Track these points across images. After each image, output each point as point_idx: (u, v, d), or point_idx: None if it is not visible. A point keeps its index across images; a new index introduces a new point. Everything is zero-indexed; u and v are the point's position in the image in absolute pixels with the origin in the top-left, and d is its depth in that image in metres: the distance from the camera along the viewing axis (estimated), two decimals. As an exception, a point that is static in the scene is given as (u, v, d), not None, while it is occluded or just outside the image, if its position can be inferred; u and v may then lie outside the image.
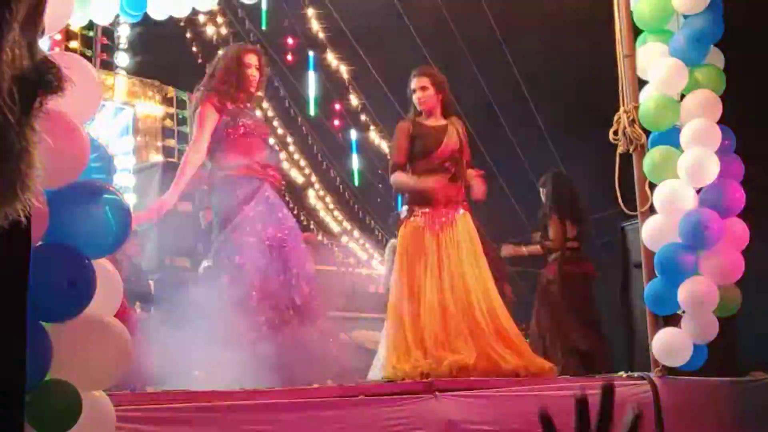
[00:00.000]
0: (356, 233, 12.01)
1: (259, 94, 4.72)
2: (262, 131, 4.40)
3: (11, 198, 0.94)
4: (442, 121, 4.67)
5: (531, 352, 4.46)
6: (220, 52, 4.65)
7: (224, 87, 4.29)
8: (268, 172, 4.27)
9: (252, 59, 4.37)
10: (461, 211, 4.59)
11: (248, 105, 4.44)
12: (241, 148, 4.20)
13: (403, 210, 4.68)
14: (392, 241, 6.37)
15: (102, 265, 2.25)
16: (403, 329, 4.32)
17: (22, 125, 0.95)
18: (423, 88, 4.63)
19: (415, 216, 4.56)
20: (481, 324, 4.30)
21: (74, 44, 7.69)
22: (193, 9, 4.48)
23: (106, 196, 2.24)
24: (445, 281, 4.36)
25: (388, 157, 5.38)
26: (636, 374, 4.16)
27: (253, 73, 4.36)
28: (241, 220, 4.09)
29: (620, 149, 4.38)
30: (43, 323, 2.07)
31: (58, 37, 7.37)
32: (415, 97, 4.65)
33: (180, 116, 8.88)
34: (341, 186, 11.46)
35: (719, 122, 4.20)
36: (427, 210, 4.54)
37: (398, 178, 4.63)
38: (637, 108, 4.34)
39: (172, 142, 8.79)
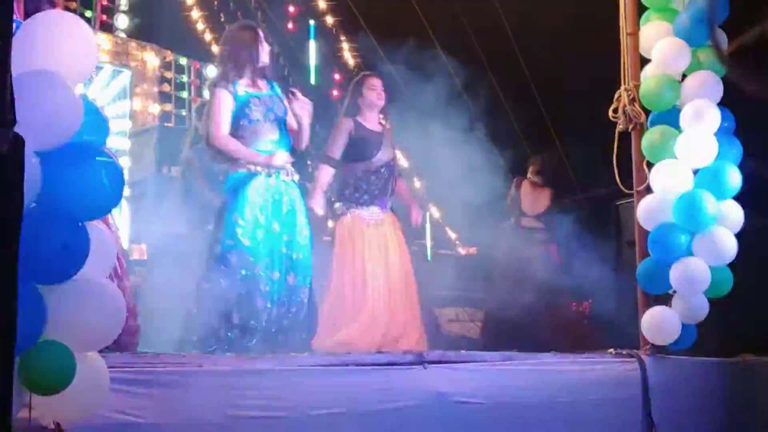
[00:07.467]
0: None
1: None
2: None
3: None
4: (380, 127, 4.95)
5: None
6: None
7: None
8: None
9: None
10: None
11: None
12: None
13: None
14: None
15: (95, 227, 2.25)
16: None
17: None
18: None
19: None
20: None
21: (73, 5, 7.58)
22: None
23: (99, 158, 2.22)
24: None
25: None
26: (624, 351, 4.19)
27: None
28: None
29: (619, 127, 4.37)
30: (38, 285, 2.07)
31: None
32: (374, 94, 4.87)
33: (177, 81, 8.79)
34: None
35: (719, 104, 4.18)
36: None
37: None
38: (637, 86, 4.32)
39: (168, 107, 8.71)
